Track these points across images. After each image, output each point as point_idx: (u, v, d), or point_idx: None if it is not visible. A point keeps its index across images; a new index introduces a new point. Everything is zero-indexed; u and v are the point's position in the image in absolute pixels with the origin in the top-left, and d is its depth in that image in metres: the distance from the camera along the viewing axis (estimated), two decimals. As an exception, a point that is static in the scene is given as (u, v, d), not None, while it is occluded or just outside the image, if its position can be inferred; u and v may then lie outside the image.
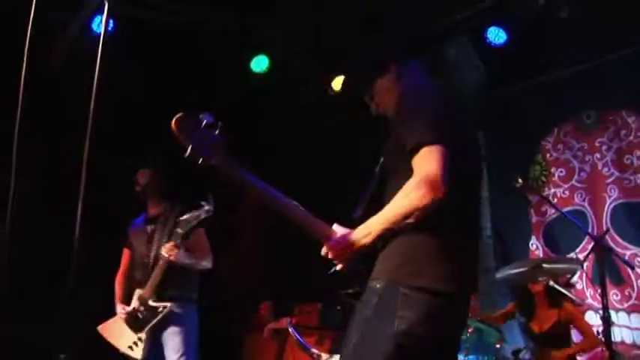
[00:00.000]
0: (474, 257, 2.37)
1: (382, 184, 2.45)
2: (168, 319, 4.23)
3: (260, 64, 6.43)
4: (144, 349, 4.21)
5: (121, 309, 4.36)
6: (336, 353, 4.61)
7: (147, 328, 4.23)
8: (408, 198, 2.14)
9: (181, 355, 4.19)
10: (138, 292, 4.33)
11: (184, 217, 4.07)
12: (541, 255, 6.16)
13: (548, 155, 6.39)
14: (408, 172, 2.18)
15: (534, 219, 6.35)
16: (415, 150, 2.19)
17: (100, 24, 5.52)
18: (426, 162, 2.16)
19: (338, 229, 2.36)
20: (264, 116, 6.96)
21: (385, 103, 2.56)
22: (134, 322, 4.27)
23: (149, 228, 4.51)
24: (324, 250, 2.36)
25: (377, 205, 2.33)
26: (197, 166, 2.31)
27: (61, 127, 5.36)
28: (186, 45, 5.92)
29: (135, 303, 4.31)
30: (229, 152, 2.38)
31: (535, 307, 4.82)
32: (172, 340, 4.24)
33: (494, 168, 6.60)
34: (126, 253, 4.64)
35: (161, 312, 4.18)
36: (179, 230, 4.06)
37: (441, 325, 2.20)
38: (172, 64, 6.01)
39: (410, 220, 2.15)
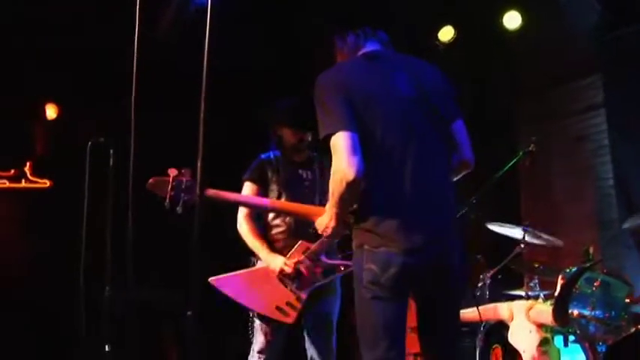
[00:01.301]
0: (434, 209, 2.57)
1: None
2: (334, 280, 3.74)
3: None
4: (300, 312, 3.60)
5: (281, 262, 3.59)
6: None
7: (313, 287, 3.61)
8: (332, 189, 2.50)
9: (335, 321, 3.81)
10: (302, 243, 3.61)
11: None
12: (670, 204, 5.81)
13: (675, 98, 5.96)
14: None
15: (661, 166, 5.99)
16: (325, 141, 2.48)
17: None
18: (334, 154, 2.44)
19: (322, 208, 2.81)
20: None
21: None
22: (294, 279, 3.58)
23: (304, 173, 3.89)
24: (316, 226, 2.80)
25: None
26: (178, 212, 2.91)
27: (173, 94, 5.50)
28: (288, 5, 5.92)
29: (298, 256, 3.60)
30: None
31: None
32: (334, 303, 3.81)
33: (614, 113, 6.28)
34: (253, 190, 3.83)
35: (343, 270, 3.64)
36: None
37: (407, 274, 2.48)
38: (277, 25, 6.02)
39: (345, 202, 2.51)
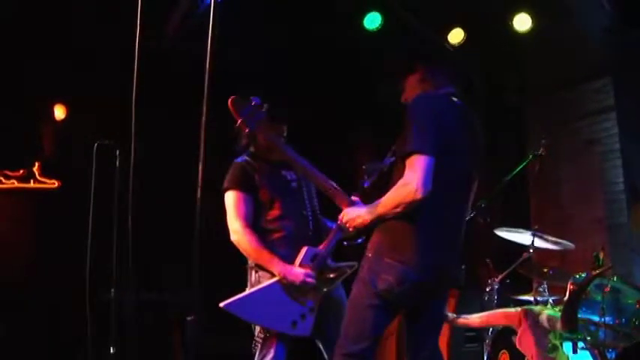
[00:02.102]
0: (451, 245, 2.91)
1: (392, 164, 3.03)
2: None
3: (373, 21, 6.31)
4: (313, 322, 3.41)
5: (302, 273, 3.38)
6: (463, 313, 4.53)
7: (322, 294, 3.44)
8: (394, 195, 2.74)
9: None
10: (308, 249, 3.44)
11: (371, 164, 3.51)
12: (680, 208, 5.75)
13: (686, 101, 5.91)
14: (403, 169, 2.73)
15: (672, 170, 5.93)
16: (408, 155, 2.71)
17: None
18: (412, 168, 2.69)
19: (356, 200, 3.16)
20: (377, 74, 6.86)
21: (409, 98, 3.02)
22: (303, 289, 3.39)
23: (287, 174, 3.65)
24: (341, 216, 3.06)
25: (383, 181, 3.00)
26: (244, 135, 3.10)
27: (178, 96, 5.49)
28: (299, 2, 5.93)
29: (309, 263, 3.42)
30: (271, 127, 3.24)
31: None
32: (342, 304, 3.45)
33: (626, 117, 6.23)
34: (242, 198, 3.54)
35: (346, 272, 3.51)
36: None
37: (416, 290, 2.78)
38: (286, 21, 6.04)
39: (398, 210, 2.74)
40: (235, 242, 3.51)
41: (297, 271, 3.37)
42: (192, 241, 1.84)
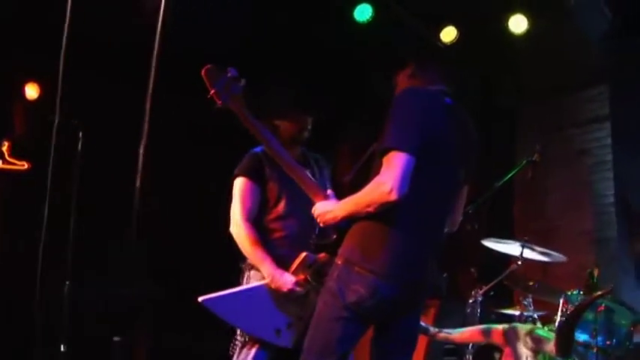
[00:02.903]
0: (430, 253, 2.71)
1: (371, 160, 2.77)
2: None
3: (363, 13, 6.08)
4: (298, 333, 3.12)
5: (292, 281, 3.16)
6: (443, 324, 4.28)
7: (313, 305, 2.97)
8: (368, 194, 2.54)
9: None
10: (307, 255, 3.18)
11: None
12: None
13: (684, 112, 5.73)
14: (380, 167, 2.53)
15: (666, 184, 5.75)
16: (385, 151, 2.51)
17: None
18: (389, 167, 2.48)
19: (330, 195, 3.03)
20: (368, 69, 6.64)
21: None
22: (293, 297, 3.18)
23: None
24: (313, 209, 2.88)
25: (364, 175, 2.73)
26: (217, 108, 2.84)
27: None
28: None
29: (304, 270, 3.18)
30: (246, 103, 2.92)
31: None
32: None
33: (618, 128, 6.06)
34: (249, 187, 3.39)
35: None
36: None
37: (389, 304, 2.58)
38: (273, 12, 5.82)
39: (370, 210, 2.54)
40: (233, 234, 3.35)
41: (286, 279, 3.16)
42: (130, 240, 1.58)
